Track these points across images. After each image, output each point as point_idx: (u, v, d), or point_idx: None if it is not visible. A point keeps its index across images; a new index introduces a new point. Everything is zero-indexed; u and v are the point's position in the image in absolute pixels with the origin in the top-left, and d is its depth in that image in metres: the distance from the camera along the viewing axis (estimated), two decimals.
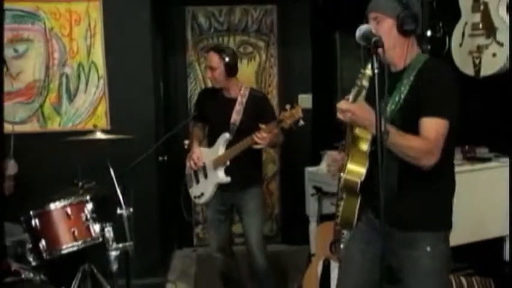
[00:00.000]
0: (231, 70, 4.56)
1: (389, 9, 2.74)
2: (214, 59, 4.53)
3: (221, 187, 4.61)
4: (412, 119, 2.67)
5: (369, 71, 2.59)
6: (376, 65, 2.35)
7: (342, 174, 2.88)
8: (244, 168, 4.52)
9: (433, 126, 2.55)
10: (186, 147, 5.23)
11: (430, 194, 2.73)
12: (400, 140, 2.62)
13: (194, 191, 4.81)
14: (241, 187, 4.61)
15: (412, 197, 2.74)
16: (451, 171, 2.96)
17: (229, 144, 4.52)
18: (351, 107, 2.62)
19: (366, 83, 2.64)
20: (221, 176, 4.55)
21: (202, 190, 4.71)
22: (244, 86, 4.65)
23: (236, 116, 4.55)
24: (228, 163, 4.54)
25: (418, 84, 2.69)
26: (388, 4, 2.75)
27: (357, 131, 2.82)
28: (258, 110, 4.48)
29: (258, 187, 4.77)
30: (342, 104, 2.64)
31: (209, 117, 4.76)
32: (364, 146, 2.82)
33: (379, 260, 2.89)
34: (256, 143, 4.24)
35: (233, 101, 4.60)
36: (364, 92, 2.64)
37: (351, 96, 2.67)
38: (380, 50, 2.44)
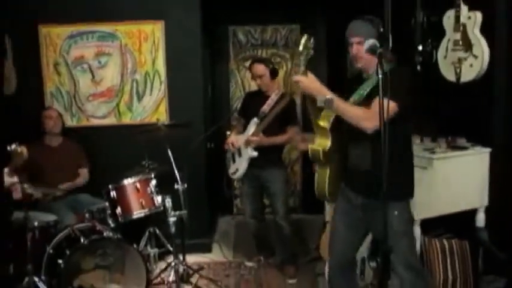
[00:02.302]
0: (274, 74, 4.67)
1: (367, 33, 2.88)
2: (261, 68, 4.63)
3: (251, 164, 4.67)
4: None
5: (300, 48, 2.83)
6: (380, 71, 2.41)
7: (310, 145, 3.04)
8: (268, 148, 4.58)
9: (377, 103, 2.53)
10: (228, 136, 5.36)
11: (397, 170, 2.68)
12: (342, 105, 2.81)
13: (231, 169, 4.87)
14: (265, 166, 4.66)
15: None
16: (411, 154, 3.06)
17: (257, 128, 4.60)
18: (301, 78, 2.84)
19: (302, 58, 2.84)
20: (250, 151, 4.60)
21: (237, 166, 4.77)
22: (280, 88, 4.74)
23: (266, 107, 4.62)
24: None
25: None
26: (366, 29, 2.90)
27: (323, 112, 3.02)
28: (285, 107, 4.50)
29: (280, 169, 4.80)
30: (295, 77, 2.87)
31: (247, 111, 4.83)
32: (325, 124, 2.99)
33: (355, 226, 3.15)
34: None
35: (268, 97, 4.68)
36: (303, 64, 2.86)
37: (301, 68, 2.87)
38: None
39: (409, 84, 2.87)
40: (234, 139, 4.76)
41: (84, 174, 5.04)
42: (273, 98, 4.65)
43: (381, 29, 2.89)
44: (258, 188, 4.86)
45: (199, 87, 5.51)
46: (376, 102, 2.70)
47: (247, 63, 6.52)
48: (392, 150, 2.43)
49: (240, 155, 4.76)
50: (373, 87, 2.92)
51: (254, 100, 4.83)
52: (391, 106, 2.57)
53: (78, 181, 4.95)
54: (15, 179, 3.10)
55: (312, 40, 2.83)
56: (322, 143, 3.01)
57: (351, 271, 3.39)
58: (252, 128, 4.65)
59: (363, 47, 2.89)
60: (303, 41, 2.82)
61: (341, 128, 3.03)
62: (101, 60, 5.35)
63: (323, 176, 3.11)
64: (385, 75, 2.41)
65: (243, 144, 4.69)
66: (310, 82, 2.83)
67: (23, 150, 3.07)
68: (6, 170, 3.06)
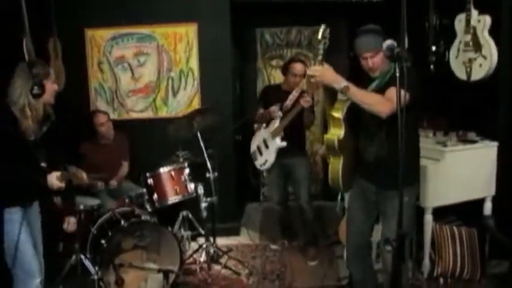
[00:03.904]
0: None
1: (377, 45, 2.85)
2: (302, 68, 4.60)
3: (278, 154, 4.66)
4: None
5: (319, 37, 2.82)
6: (397, 68, 2.43)
7: (325, 136, 3.01)
8: (292, 138, 4.60)
9: (392, 91, 2.56)
10: (255, 129, 5.36)
11: (407, 158, 2.56)
12: (358, 91, 2.79)
13: (259, 161, 4.86)
14: (290, 156, 4.67)
15: (397, 162, 2.47)
16: (418, 142, 3.08)
17: (281, 123, 4.59)
18: (316, 68, 2.80)
19: (321, 46, 2.82)
20: (279, 142, 4.60)
21: (266, 158, 4.76)
22: (301, 85, 4.67)
23: (289, 103, 4.60)
24: (282, 133, 4.59)
25: (391, 78, 2.79)
26: (374, 42, 2.89)
27: (336, 104, 2.98)
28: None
29: (303, 157, 4.83)
30: (310, 69, 2.83)
31: (270, 104, 4.78)
32: (339, 114, 2.96)
33: (369, 209, 3.17)
34: (303, 106, 4.35)
35: (288, 92, 4.65)
36: (320, 53, 2.83)
37: (319, 58, 2.84)
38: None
39: (419, 81, 2.88)
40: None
41: (125, 168, 5.11)
42: (294, 94, 4.63)
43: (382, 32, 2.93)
44: (284, 176, 4.89)
45: (229, 84, 5.57)
46: (390, 90, 2.72)
47: (273, 62, 6.62)
48: (404, 139, 2.44)
49: (267, 147, 4.77)
50: (385, 82, 2.94)
51: (274, 94, 4.81)
52: (405, 96, 2.57)
53: (120, 174, 5.03)
54: (63, 184, 3.16)
55: (328, 30, 2.82)
56: (336, 132, 2.99)
57: (366, 253, 3.41)
58: (276, 122, 4.66)
59: (375, 59, 2.92)
60: (321, 30, 2.81)
61: (353, 122, 3.05)
62: (139, 59, 5.46)
63: (336, 167, 3.06)
64: (402, 71, 2.44)
65: (270, 136, 4.72)
66: (326, 71, 2.80)
67: (83, 176, 3.16)
68: (58, 174, 3.13)
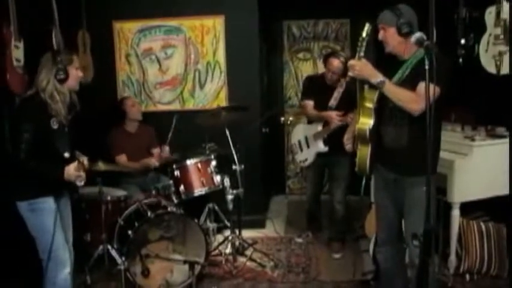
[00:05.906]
0: (345, 72, 4.42)
1: (389, 20, 2.91)
2: (340, 66, 4.50)
3: (319, 154, 4.68)
4: (410, 88, 2.85)
5: (363, 35, 2.86)
6: (427, 61, 2.37)
7: (356, 125, 3.07)
8: (335, 139, 4.43)
9: (423, 86, 2.47)
10: (281, 122, 5.31)
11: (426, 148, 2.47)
12: (392, 88, 2.87)
13: (299, 157, 4.89)
14: (333, 155, 4.61)
15: (416, 150, 2.74)
16: (440, 132, 3.06)
17: (326, 122, 4.57)
18: (357, 62, 2.89)
19: (362, 43, 2.88)
20: (321, 146, 4.63)
21: (306, 156, 4.79)
22: (343, 79, 4.61)
23: (333, 101, 4.56)
24: (325, 136, 4.59)
25: (419, 66, 2.78)
26: (388, 17, 2.92)
27: (365, 93, 3.04)
28: (350, 97, 4.27)
29: (346, 156, 4.55)
30: (351, 61, 2.93)
31: (315, 96, 4.72)
32: (370, 104, 3.02)
33: (394, 199, 3.15)
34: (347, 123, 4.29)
35: (332, 88, 4.59)
36: (362, 50, 2.89)
37: (357, 55, 2.90)
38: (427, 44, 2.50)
39: (449, 72, 2.88)
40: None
41: (157, 153, 5.01)
42: (339, 90, 4.58)
43: (404, 15, 2.89)
44: (322, 174, 4.92)
45: (256, 77, 5.54)
46: (421, 87, 2.73)
47: (300, 55, 6.61)
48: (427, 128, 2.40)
49: (308, 146, 4.77)
50: (411, 69, 2.96)
51: (319, 88, 4.71)
52: (436, 90, 2.54)
53: (163, 155, 4.95)
54: (82, 173, 3.18)
55: (371, 27, 2.90)
56: (366, 122, 3.04)
57: (398, 245, 3.34)
58: (320, 125, 4.65)
59: (385, 33, 2.96)
60: (366, 28, 2.88)
61: (378, 106, 3.07)
62: (167, 52, 5.46)
63: (364, 154, 3.11)
64: (431, 63, 2.42)
65: (312, 137, 4.70)
66: (364, 66, 2.89)
67: (84, 161, 3.20)
68: (75, 164, 3.14)
